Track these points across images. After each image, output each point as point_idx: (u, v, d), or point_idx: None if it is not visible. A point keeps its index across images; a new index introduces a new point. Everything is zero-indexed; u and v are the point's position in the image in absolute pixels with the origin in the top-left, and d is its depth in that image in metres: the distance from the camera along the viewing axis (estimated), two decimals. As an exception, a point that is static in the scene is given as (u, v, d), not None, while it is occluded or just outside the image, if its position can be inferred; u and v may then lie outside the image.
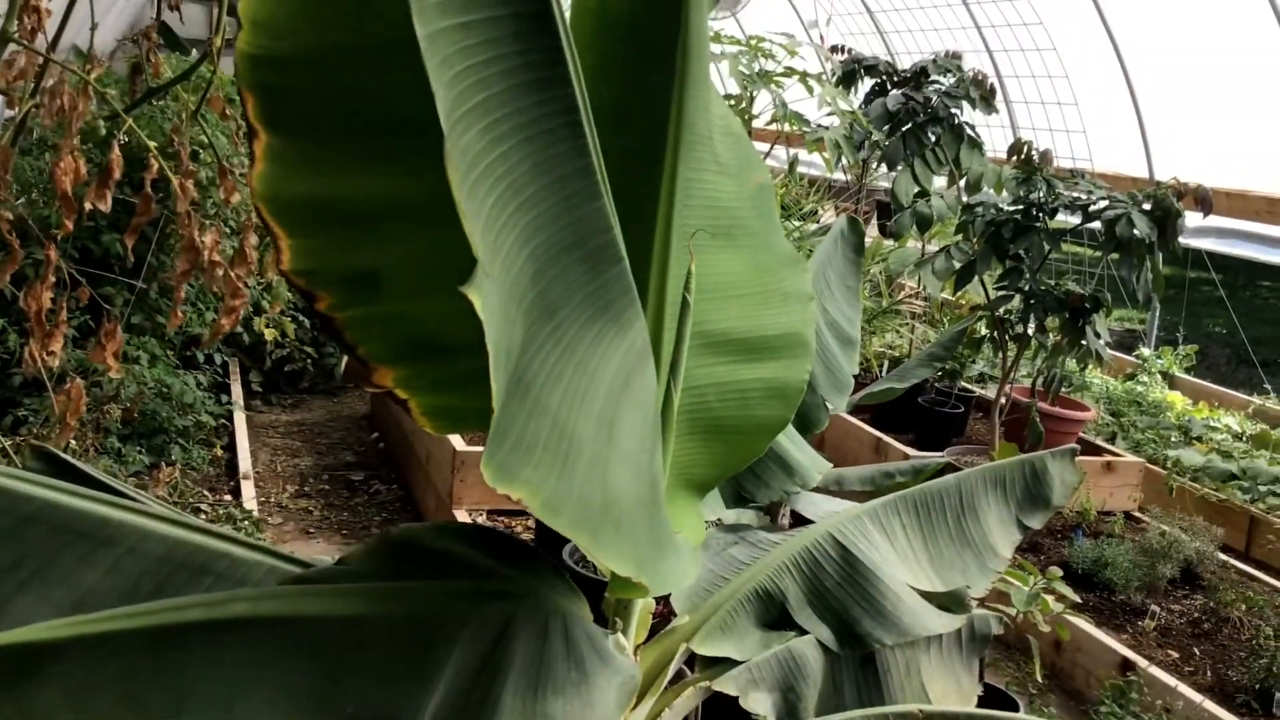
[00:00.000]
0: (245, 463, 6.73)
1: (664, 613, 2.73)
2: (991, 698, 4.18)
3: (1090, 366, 7.17)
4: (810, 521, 2.52)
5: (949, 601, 2.44)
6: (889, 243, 7.64)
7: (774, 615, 2.32)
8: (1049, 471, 2.67)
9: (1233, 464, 7.71)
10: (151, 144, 2.45)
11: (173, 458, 6.61)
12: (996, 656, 4.64)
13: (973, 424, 7.77)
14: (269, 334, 7.68)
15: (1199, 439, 8.37)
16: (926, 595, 2.41)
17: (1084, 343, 6.03)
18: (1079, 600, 3.96)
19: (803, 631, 2.31)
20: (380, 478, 7.27)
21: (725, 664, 2.24)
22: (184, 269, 2.37)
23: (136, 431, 6.54)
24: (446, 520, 5.48)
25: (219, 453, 6.98)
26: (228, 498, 6.35)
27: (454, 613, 1.52)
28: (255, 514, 5.85)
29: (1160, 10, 9.98)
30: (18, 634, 1.21)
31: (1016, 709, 4.14)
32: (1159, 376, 10.04)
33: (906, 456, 6.60)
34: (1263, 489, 7.37)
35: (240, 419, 7.38)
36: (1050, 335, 6.29)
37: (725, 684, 2.20)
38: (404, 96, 1.20)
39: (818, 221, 8.09)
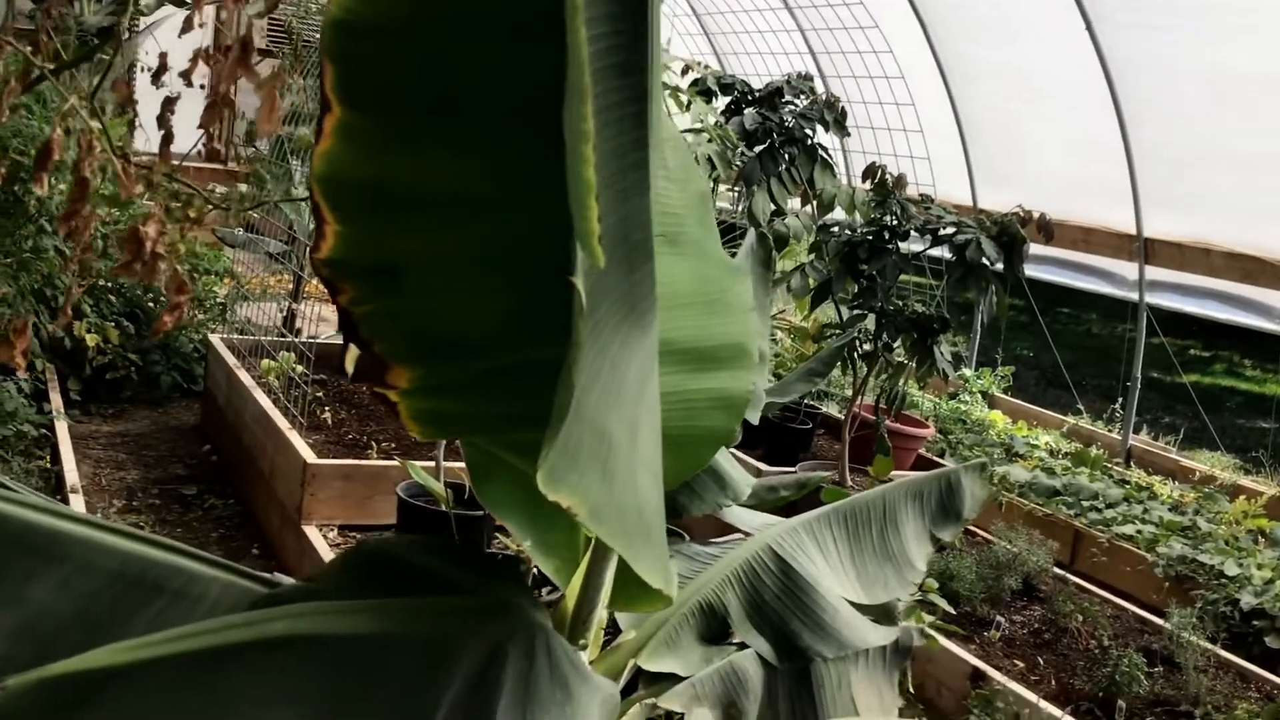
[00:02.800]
0: (72, 475, 6.31)
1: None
2: (864, 709, 4.24)
3: (922, 386, 7.41)
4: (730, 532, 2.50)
5: (879, 615, 2.45)
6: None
7: (716, 629, 2.28)
8: (962, 485, 2.73)
9: (1056, 480, 8.10)
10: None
11: (-13, 469, 6.16)
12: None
13: (818, 441, 7.93)
14: (90, 340, 7.26)
15: (1021, 456, 8.76)
16: (858, 608, 2.42)
17: (932, 361, 6.23)
18: (952, 611, 4.07)
19: (743, 645, 2.28)
20: (215, 492, 6.93)
21: (670, 679, 2.19)
22: (126, 261, 2.17)
23: (-50, 441, 6.08)
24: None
25: (45, 464, 6.54)
26: (53, 513, 5.93)
27: (454, 632, 1.43)
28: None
29: (984, 46, 10.44)
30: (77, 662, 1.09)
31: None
32: (979, 396, 10.49)
33: (759, 472, 6.68)
34: (1084, 504, 7.77)
35: (63, 429, 6.93)
36: (897, 354, 6.48)
37: (670, 700, 2.15)
38: (493, 75, 1.12)
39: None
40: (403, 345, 1.33)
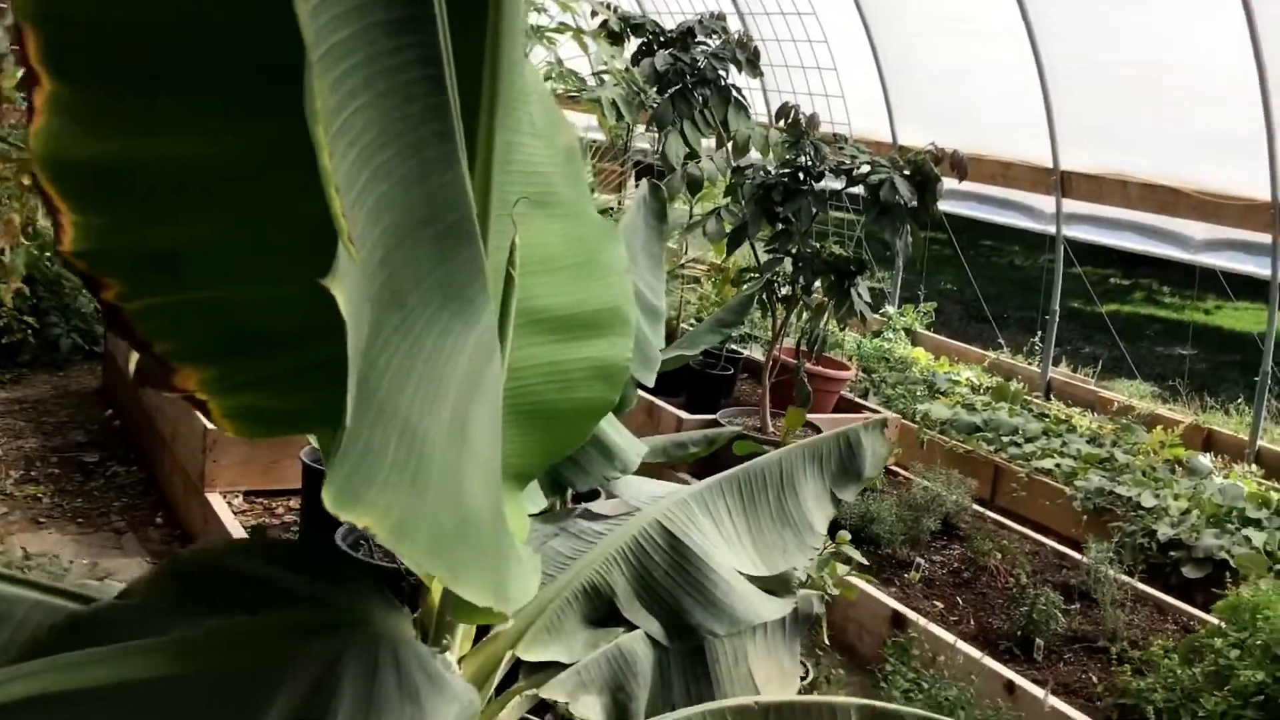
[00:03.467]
0: (-42, 448, 6.05)
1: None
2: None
3: (842, 327, 7.35)
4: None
5: (776, 585, 2.36)
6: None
7: (602, 611, 2.17)
8: (862, 444, 2.63)
9: (976, 416, 8.11)
10: None
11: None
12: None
13: (740, 385, 7.85)
14: (-19, 303, 6.94)
15: (943, 393, 8.76)
16: (755, 580, 2.32)
17: (850, 303, 6.15)
18: (865, 563, 4.01)
19: (632, 626, 2.17)
20: (118, 459, 6.69)
21: (554, 667, 2.08)
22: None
23: None
24: (231, 538, 5.05)
25: (-70, 436, 6.27)
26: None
27: (271, 658, 1.29)
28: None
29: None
30: None
31: (806, 674, 4.17)
32: (903, 333, 10.47)
33: (679, 421, 6.59)
34: (1005, 439, 7.78)
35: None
36: (816, 297, 6.39)
37: (553, 690, 2.04)
38: (230, 39, 0.96)
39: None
40: (189, 343, 1.17)
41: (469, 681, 1.99)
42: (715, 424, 6.48)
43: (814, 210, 6.06)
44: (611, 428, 2.38)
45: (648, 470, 2.84)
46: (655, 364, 2.74)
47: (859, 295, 6.15)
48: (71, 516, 6.01)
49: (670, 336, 7.21)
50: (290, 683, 1.28)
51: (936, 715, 2.24)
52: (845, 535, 3.91)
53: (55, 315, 8.07)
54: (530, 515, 2.29)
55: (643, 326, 2.74)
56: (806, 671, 4.17)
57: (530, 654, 2.04)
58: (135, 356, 1.16)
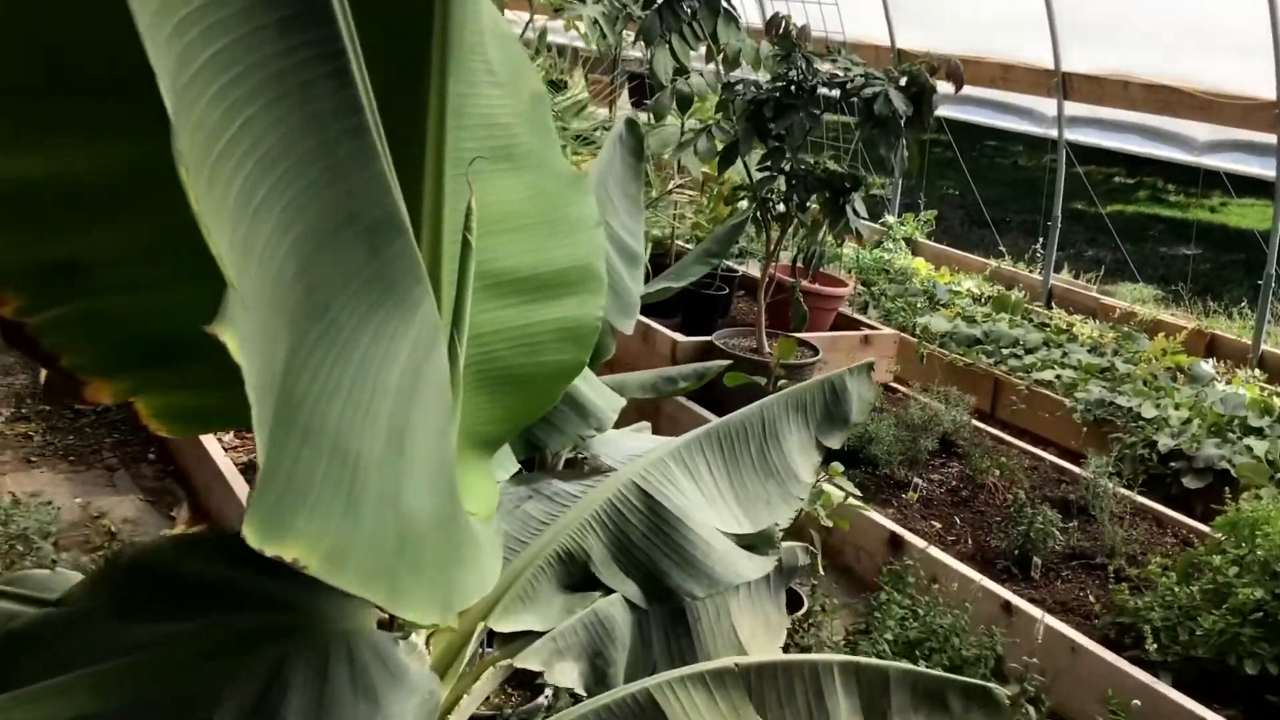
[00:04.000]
0: (-53, 389, 6.00)
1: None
2: (776, 593, 4.17)
3: (840, 244, 7.24)
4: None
5: (758, 541, 2.30)
6: (647, 121, 7.41)
7: (577, 577, 2.12)
8: (848, 389, 2.56)
9: (976, 328, 8.03)
10: None
11: None
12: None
13: (737, 304, 7.76)
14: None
15: (944, 305, 8.67)
16: (738, 537, 2.26)
17: (845, 220, 6.03)
18: (858, 494, 3.97)
19: (609, 591, 2.13)
20: (111, 393, 6.64)
21: (528, 636, 2.03)
22: None
23: None
24: (192, 531, 5.01)
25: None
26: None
27: (204, 678, 1.24)
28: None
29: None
30: None
31: (801, 604, 4.15)
32: (903, 243, 10.34)
33: (674, 343, 6.52)
34: (1005, 351, 7.71)
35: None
36: (811, 213, 6.27)
37: (528, 659, 2.00)
38: (114, 44, 0.87)
39: (564, 92, 7.71)
40: (96, 355, 1.10)
41: (439, 659, 1.96)
42: (710, 346, 6.41)
43: (807, 126, 5.91)
44: (586, 385, 2.31)
45: (635, 408, 2.76)
46: (634, 309, 2.66)
47: (854, 212, 6.02)
48: (63, 454, 5.98)
49: (663, 257, 7.11)
50: (226, 704, 1.23)
51: (915, 667, 2.21)
52: (838, 467, 3.86)
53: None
54: (506, 480, 2.24)
55: (620, 271, 2.65)
56: (802, 601, 4.15)
57: (503, 625, 1.99)
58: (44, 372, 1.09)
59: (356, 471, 1.07)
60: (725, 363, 3.89)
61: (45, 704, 1.15)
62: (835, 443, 2.57)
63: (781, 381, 3.95)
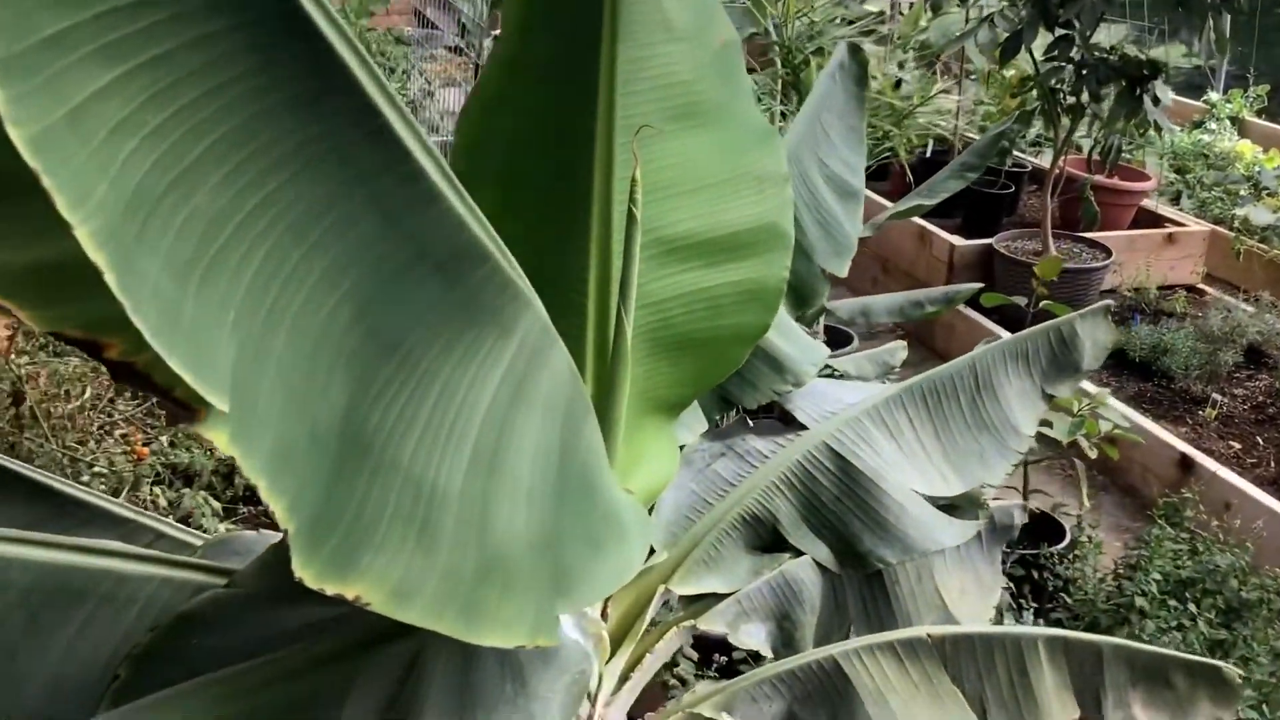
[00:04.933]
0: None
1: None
2: (1039, 523, 4.01)
3: (1142, 132, 6.65)
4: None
5: (963, 503, 2.20)
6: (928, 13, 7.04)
7: (765, 539, 2.10)
8: (1078, 335, 2.37)
9: (1307, 221, 7.24)
10: None
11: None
12: (1048, 468, 4.42)
13: (1026, 199, 7.33)
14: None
15: (1270, 193, 7.85)
16: (938, 500, 2.17)
17: (1143, 113, 5.55)
18: (1125, 424, 3.71)
19: (798, 554, 2.10)
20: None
21: (711, 597, 2.04)
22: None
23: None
24: None
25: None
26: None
27: (341, 671, 1.32)
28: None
29: None
30: None
31: (1063, 535, 3.96)
32: (1228, 123, 9.39)
33: (952, 247, 6.26)
34: (1339, 248, 6.93)
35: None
36: (1105, 104, 5.80)
37: (712, 620, 2.01)
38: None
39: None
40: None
41: (617, 618, 2.00)
42: (990, 251, 6.11)
43: (1099, 10, 5.43)
44: (782, 338, 2.25)
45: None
46: (849, 249, 2.56)
47: (1154, 101, 5.52)
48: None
49: (945, 154, 6.79)
50: (358, 692, 1.31)
51: (1131, 643, 2.07)
52: (1104, 394, 3.62)
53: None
54: (700, 436, 2.24)
55: (833, 210, 2.55)
56: (1064, 533, 3.96)
57: (684, 587, 2.01)
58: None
59: (433, 502, 1.10)
60: (977, 286, 3.70)
61: (188, 704, 1.27)
62: (1065, 391, 2.41)
63: (1044, 303, 3.71)
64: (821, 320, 4.85)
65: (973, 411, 2.29)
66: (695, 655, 3.16)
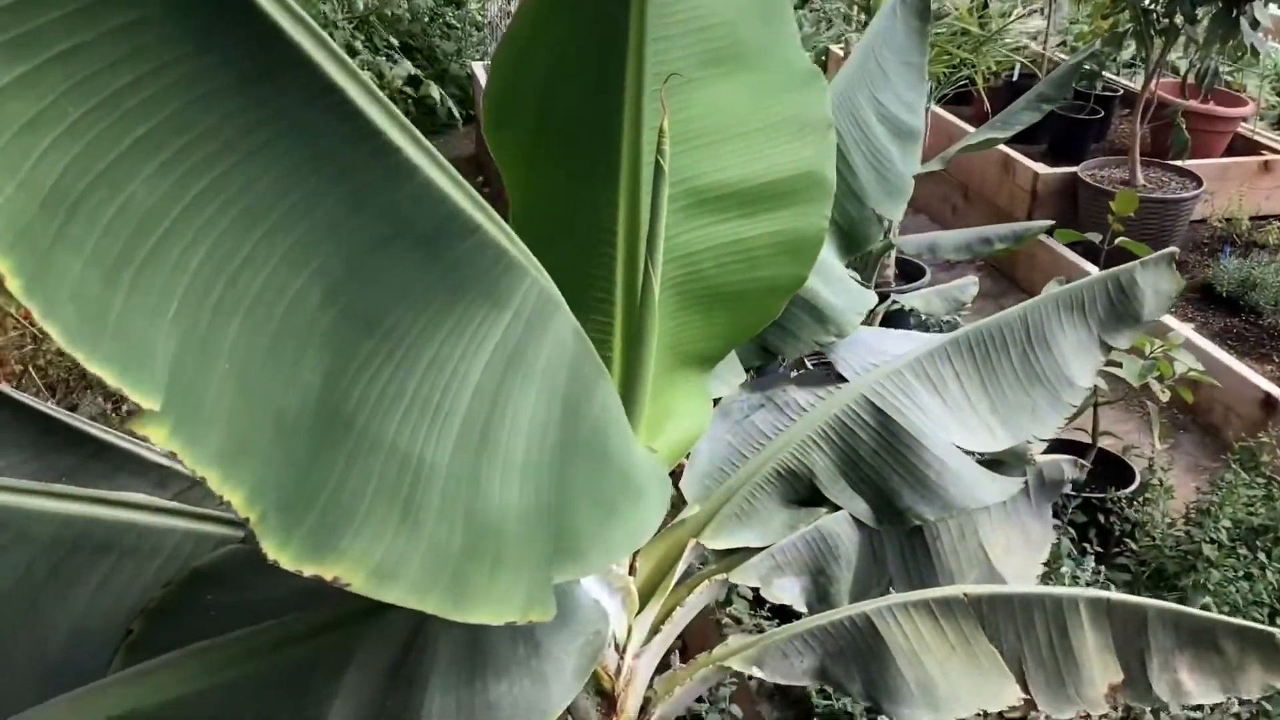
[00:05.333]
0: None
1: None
2: (1108, 466, 3.91)
3: (1239, 56, 6.34)
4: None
5: (1009, 459, 2.15)
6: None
7: (801, 493, 2.07)
8: (1137, 284, 2.28)
9: None
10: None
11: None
12: (1124, 407, 4.29)
13: (1117, 125, 7.06)
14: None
15: (1381, 117, 7.47)
16: (982, 456, 2.12)
17: (1239, 35, 5.28)
18: (1200, 367, 3.57)
19: (834, 508, 2.06)
20: (485, 226, 7.07)
21: (744, 551, 2.02)
22: None
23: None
24: None
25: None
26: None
27: (341, 639, 1.33)
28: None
29: None
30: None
31: (1132, 478, 3.86)
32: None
33: (1035, 175, 6.06)
34: None
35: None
36: (1201, 26, 5.53)
37: (744, 574, 1.99)
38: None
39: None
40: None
41: (646, 572, 1.99)
42: (1075, 179, 5.91)
43: (1196, -75, 5.16)
44: (826, 286, 2.19)
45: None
46: (904, 192, 2.47)
47: (1251, 24, 5.25)
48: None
49: (1031, 79, 6.55)
50: (364, 654, 1.31)
51: (1178, 606, 2.01)
52: (1176, 338, 3.49)
53: (433, 83, 8.45)
54: (739, 386, 2.20)
55: (888, 152, 2.47)
56: (1133, 475, 3.86)
57: (716, 541, 1.99)
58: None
59: (419, 477, 1.08)
60: (1046, 223, 3.57)
61: (188, 667, 1.29)
62: (1124, 342, 2.32)
63: (1120, 240, 3.57)
64: (891, 254, 4.75)
65: (1024, 364, 2.22)
66: (750, 594, 3.16)
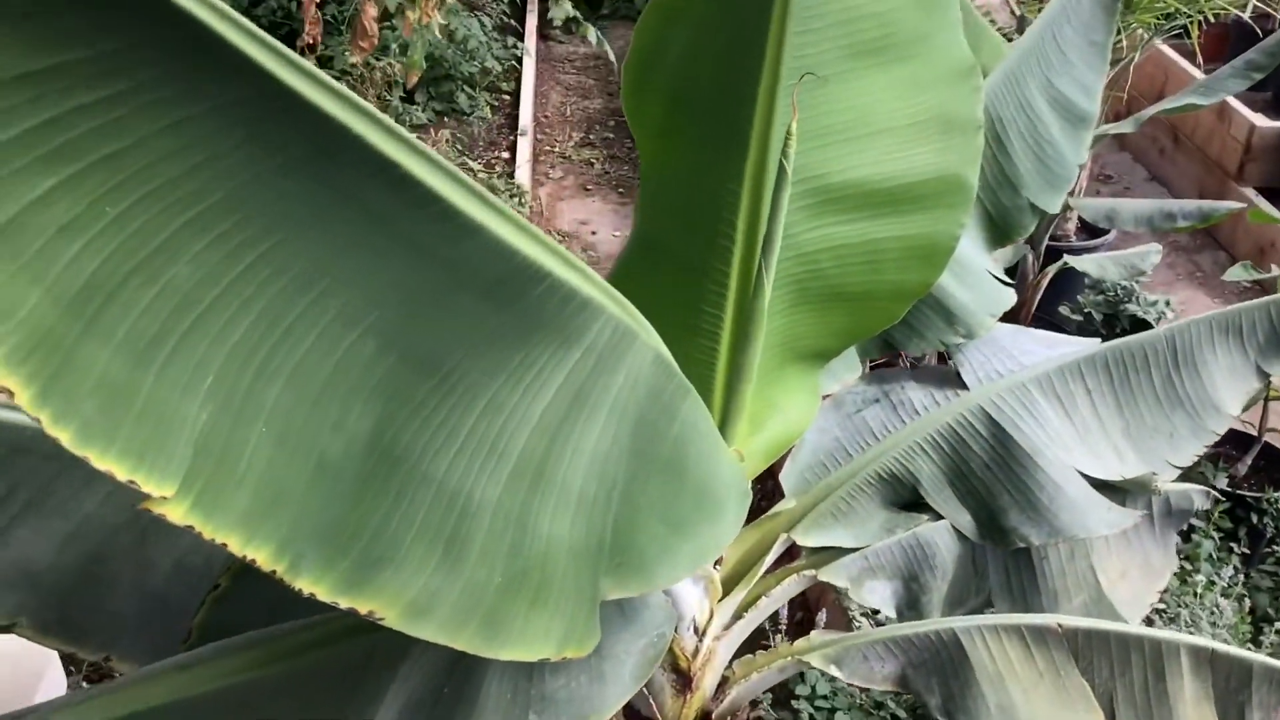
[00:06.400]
0: (525, 116, 6.65)
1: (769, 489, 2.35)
2: (1272, 462, 3.71)
3: None
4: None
5: (1131, 487, 2.05)
6: None
7: (904, 497, 2.03)
8: (1309, 316, 2.12)
9: None
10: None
11: (459, 105, 6.63)
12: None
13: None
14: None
15: None
16: (1101, 485, 2.02)
17: None
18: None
19: (937, 517, 2.02)
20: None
21: (837, 549, 2.00)
22: None
23: (425, 79, 6.54)
24: None
25: (505, 98, 6.94)
26: (505, 154, 6.34)
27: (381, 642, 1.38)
28: (524, 185, 5.81)
29: None
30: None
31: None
32: None
33: (1251, 127, 5.64)
34: None
35: (529, 66, 7.22)
36: None
37: (834, 573, 1.97)
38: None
39: None
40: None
41: (735, 560, 1.99)
42: (1295, 137, 5.47)
43: None
44: (959, 283, 2.10)
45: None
46: (1065, 181, 2.33)
47: None
48: (616, 184, 6.49)
49: (1264, 20, 6.03)
50: (414, 669, 1.36)
51: (1287, 666, 1.90)
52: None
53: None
54: (857, 379, 2.15)
55: (1053, 138, 2.33)
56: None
57: (808, 539, 1.97)
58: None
59: (466, 515, 1.10)
60: (1238, 205, 3.34)
61: (240, 660, 1.35)
62: (1284, 372, 2.17)
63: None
64: (1074, 211, 4.52)
65: (1166, 387, 2.10)
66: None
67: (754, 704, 2.66)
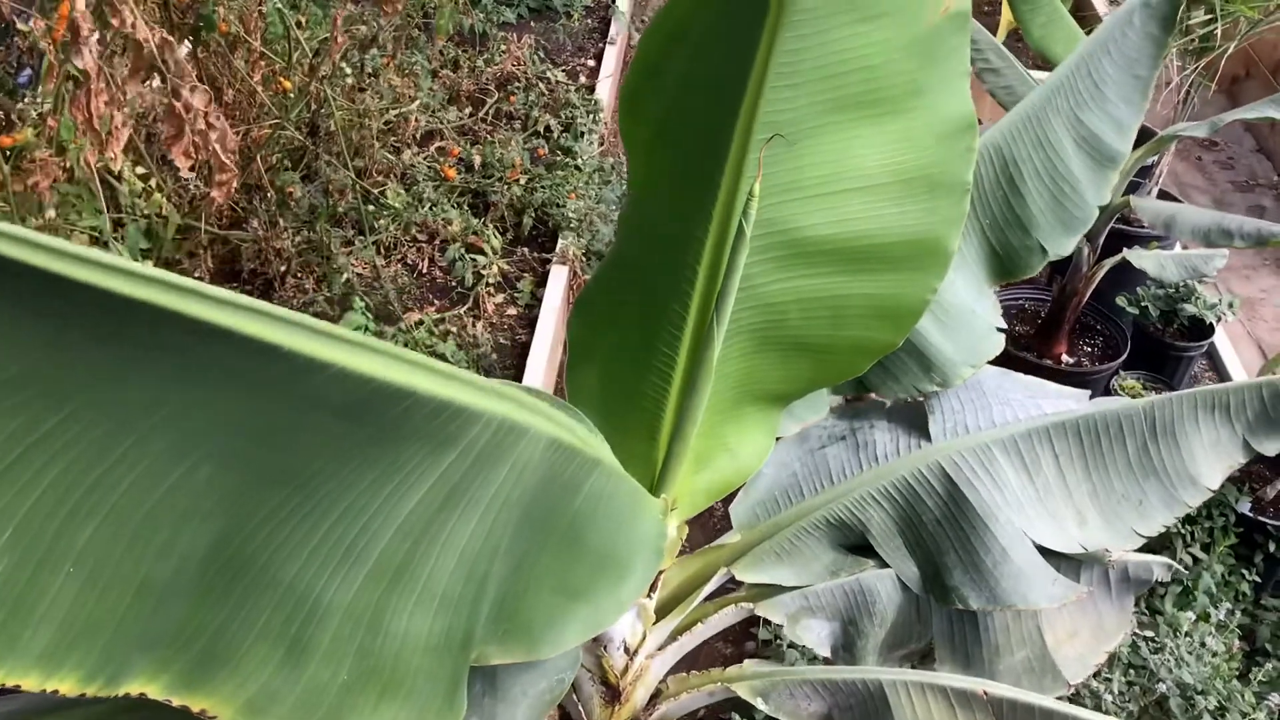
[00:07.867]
0: (618, 24, 6.50)
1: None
2: None
3: None
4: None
5: (1086, 560, 2.02)
6: None
7: (851, 541, 2.03)
8: (1305, 404, 2.04)
9: None
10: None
11: (553, 3, 6.51)
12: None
13: None
14: None
15: None
16: (1051, 555, 2.01)
17: None
18: None
19: (882, 564, 2.02)
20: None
21: (778, 587, 2.02)
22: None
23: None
24: None
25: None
26: (591, 62, 6.22)
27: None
28: (604, 100, 5.69)
29: None
30: None
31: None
32: None
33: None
34: None
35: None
36: None
37: (772, 609, 2.00)
38: None
39: None
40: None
41: (673, 586, 2.03)
42: None
43: None
44: (942, 331, 2.05)
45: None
46: (1082, 224, 2.25)
47: None
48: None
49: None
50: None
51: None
52: None
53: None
54: (828, 413, 2.14)
55: (1074, 178, 2.24)
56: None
57: (748, 575, 1.99)
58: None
59: (312, 618, 1.14)
60: (1295, 234, 3.18)
61: None
62: (1271, 450, 2.10)
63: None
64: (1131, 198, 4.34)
65: (1141, 455, 2.05)
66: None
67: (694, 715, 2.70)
